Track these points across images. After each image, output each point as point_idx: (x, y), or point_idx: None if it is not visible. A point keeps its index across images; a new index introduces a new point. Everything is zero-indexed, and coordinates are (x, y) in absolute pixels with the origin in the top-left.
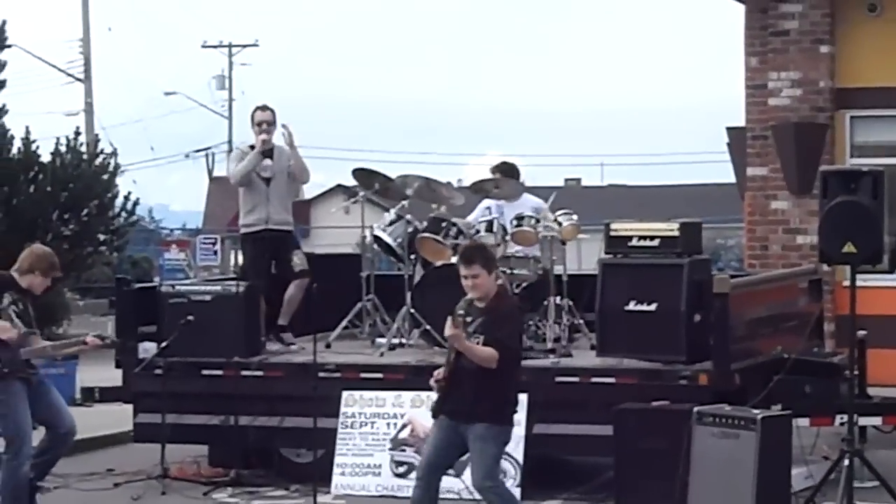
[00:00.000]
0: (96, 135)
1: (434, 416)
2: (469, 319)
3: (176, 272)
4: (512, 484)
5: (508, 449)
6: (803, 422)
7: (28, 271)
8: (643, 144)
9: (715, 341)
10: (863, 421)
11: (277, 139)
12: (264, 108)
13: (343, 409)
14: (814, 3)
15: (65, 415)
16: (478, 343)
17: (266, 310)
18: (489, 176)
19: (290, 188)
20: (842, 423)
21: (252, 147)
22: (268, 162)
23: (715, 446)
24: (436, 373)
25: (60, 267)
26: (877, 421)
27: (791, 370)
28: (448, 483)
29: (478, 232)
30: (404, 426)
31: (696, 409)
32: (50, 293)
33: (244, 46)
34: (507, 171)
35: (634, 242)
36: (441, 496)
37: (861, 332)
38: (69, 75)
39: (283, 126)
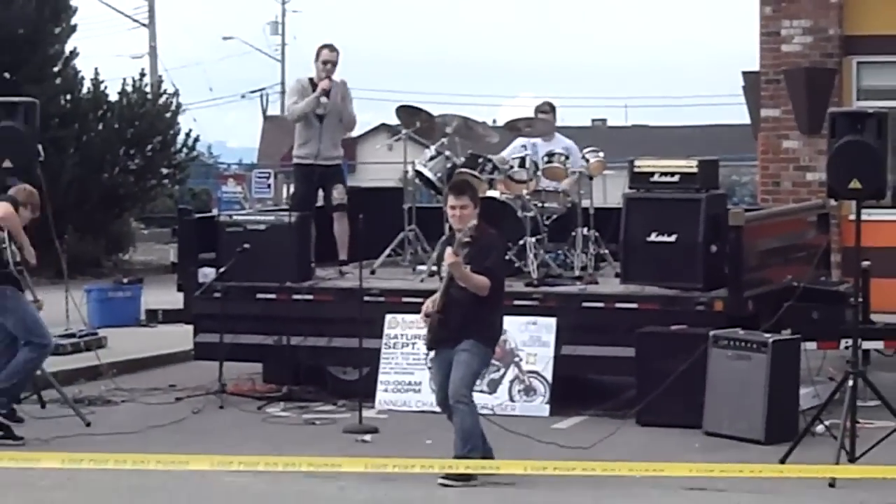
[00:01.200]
0: (160, 76)
1: (429, 349)
2: (465, 251)
3: (232, 204)
4: (541, 401)
5: (538, 368)
6: (811, 345)
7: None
8: (665, 88)
9: (730, 270)
10: (866, 345)
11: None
12: (332, 48)
13: (386, 330)
14: None
15: None
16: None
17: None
18: (531, 114)
19: (339, 127)
20: (846, 347)
21: (311, 80)
22: (324, 100)
23: (729, 367)
24: (424, 307)
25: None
26: (879, 345)
27: (800, 297)
28: (482, 399)
29: (511, 167)
30: None
31: (712, 332)
32: (116, 222)
33: None
34: (547, 110)
35: (656, 178)
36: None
37: (865, 263)
38: (135, 21)
39: (343, 81)
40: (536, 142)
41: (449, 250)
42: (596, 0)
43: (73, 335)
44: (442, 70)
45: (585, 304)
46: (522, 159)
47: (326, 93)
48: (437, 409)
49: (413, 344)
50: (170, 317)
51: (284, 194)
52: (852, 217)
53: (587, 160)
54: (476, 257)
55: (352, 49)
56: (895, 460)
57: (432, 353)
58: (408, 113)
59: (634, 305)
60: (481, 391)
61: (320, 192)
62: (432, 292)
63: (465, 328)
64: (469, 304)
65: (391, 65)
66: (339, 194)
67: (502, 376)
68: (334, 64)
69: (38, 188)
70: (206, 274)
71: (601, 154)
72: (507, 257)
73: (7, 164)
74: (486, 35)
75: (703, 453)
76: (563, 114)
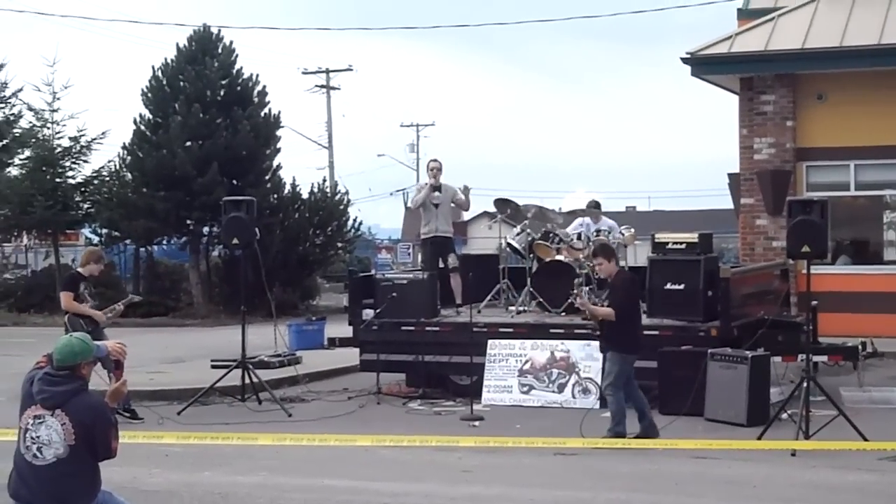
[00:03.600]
0: (336, 181)
1: (602, 352)
2: (585, 291)
3: (385, 266)
4: (594, 398)
5: (592, 375)
6: (777, 359)
7: (85, 264)
8: (676, 183)
9: (721, 308)
10: (815, 358)
11: (444, 180)
12: (435, 160)
13: (489, 351)
14: (782, 93)
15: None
16: (605, 305)
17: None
18: (583, 206)
19: (451, 211)
20: (802, 360)
21: (426, 184)
22: (437, 194)
23: (721, 374)
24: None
25: (311, 263)
26: (824, 358)
27: (769, 326)
28: (550, 397)
29: (571, 240)
30: (526, 361)
31: (709, 350)
32: (308, 279)
33: (426, 125)
34: (595, 205)
35: (670, 246)
36: (544, 406)
37: (814, 302)
38: (319, 144)
39: (466, 186)
40: (588, 222)
41: (578, 298)
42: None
43: (279, 356)
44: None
45: None
46: (579, 234)
47: (437, 187)
48: (524, 403)
49: (507, 360)
50: (344, 342)
51: (419, 260)
52: (805, 271)
53: (623, 234)
54: (609, 295)
55: (461, 158)
56: (837, 437)
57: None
58: (501, 203)
59: (657, 332)
60: (552, 391)
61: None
62: (521, 325)
63: (608, 341)
64: (609, 324)
65: (489, 170)
66: (452, 260)
67: (567, 381)
68: (438, 170)
69: (254, 257)
70: (367, 313)
71: (633, 230)
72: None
73: (235, 241)
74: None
75: (705, 433)
76: (605, 202)
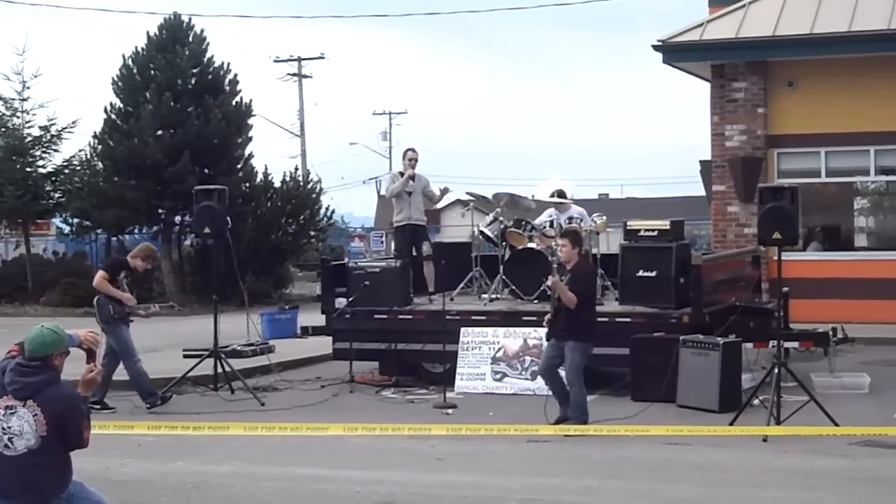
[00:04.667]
0: (308, 170)
1: (547, 339)
2: (562, 277)
3: (357, 255)
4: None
5: None
6: (749, 345)
7: (135, 257)
8: (648, 170)
9: (693, 295)
10: (787, 344)
11: (417, 169)
12: (413, 150)
13: (461, 338)
14: (753, 81)
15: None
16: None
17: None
18: (551, 197)
19: (422, 199)
20: (773, 346)
21: (401, 173)
22: (411, 183)
23: (693, 361)
24: (547, 316)
25: (284, 251)
26: (795, 344)
27: (741, 313)
28: (523, 384)
29: (544, 227)
30: (499, 349)
31: (681, 337)
32: (280, 267)
33: (399, 113)
34: (561, 194)
35: (642, 233)
36: (516, 393)
37: (785, 289)
38: (291, 133)
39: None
40: (555, 213)
41: (551, 277)
42: (601, 111)
43: (252, 345)
44: (497, 159)
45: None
46: (551, 222)
47: (411, 178)
48: (497, 391)
49: (480, 347)
50: (316, 331)
51: (392, 248)
52: (776, 258)
53: (595, 221)
54: (571, 282)
55: (434, 147)
56: (808, 423)
57: (548, 341)
58: (472, 194)
59: (629, 319)
60: (525, 378)
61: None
62: (493, 313)
63: (567, 330)
64: (568, 312)
65: (463, 158)
66: (426, 248)
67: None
68: (415, 160)
69: (227, 246)
70: (340, 302)
71: (605, 217)
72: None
73: (207, 230)
74: (528, 134)
75: (677, 419)
76: (579, 190)
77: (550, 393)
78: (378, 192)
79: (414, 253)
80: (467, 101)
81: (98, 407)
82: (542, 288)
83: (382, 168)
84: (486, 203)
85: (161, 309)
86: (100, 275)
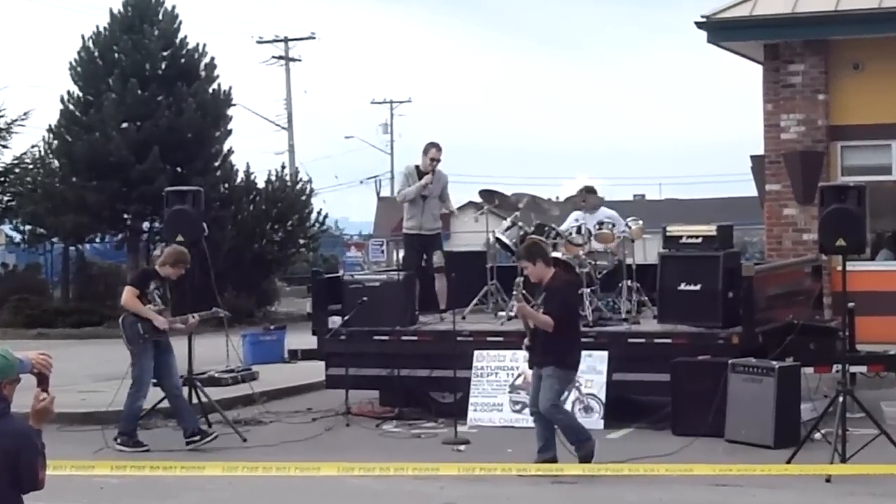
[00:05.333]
0: (297, 168)
1: (530, 368)
2: (525, 294)
3: (354, 266)
4: (597, 417)
5: (594, 391)
6: (809, 370)
7: (164, 264)
8: (690, 168)
9: (743, 312)
10: (853, 369)
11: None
12: (439, 148)
13: (475, 363)
14: (813, 63)
15: (173, 375)
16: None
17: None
18: (578, 194)
19: (438, 204)
20: (837, 371)
21: (417, 167)
22: (429, 187)
23: (744, 388)
24: (525, 341)
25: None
26: (863, 369)
27: (799, 332)
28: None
29: (570, 234)
30: (519, 375)
31: (730, 361)
32: (265, 281)
33: (401, 102)
34: (591, 191)
35: (684, 240)
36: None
37: (850, 304)
38: (277, 125)
39: (443, 173)
40: (585, 214)
41: (514, 300)
42: (635, 99)
43: (232, 371)
44: (515, 156)
45: (630, 340)
46: (579, 227)
47: (429, 183)
48: (517, 424)
49: (496, 373)
50: (307, 355)
51: (395, 258)
52: (840, 268)
53: (629, 227)
54: (546, 301)
55: (442, 140)
56: (879, 460)
57: (530, 370)
58: (488, 194)
59: (669, 340)
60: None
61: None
62: (512, 333)
63: (546, 355)
64: (546, 335)
65: (476, 153)
66: (438, 259)
67: (566, 397)
68: (439, 161)
69: (203, 257)
70: (334, 321)
71: (641, 222)
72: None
73: (179, 238)
74: (550, 127)
75: (725, 456)
76: (609, 190)
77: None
78: (378, 194)
79: (423, 264)
80: (480, 87)
81: (197, 438)
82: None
83: (383, 165)
84: (504, 204)
85: (198, 319)
86: (128, 291)
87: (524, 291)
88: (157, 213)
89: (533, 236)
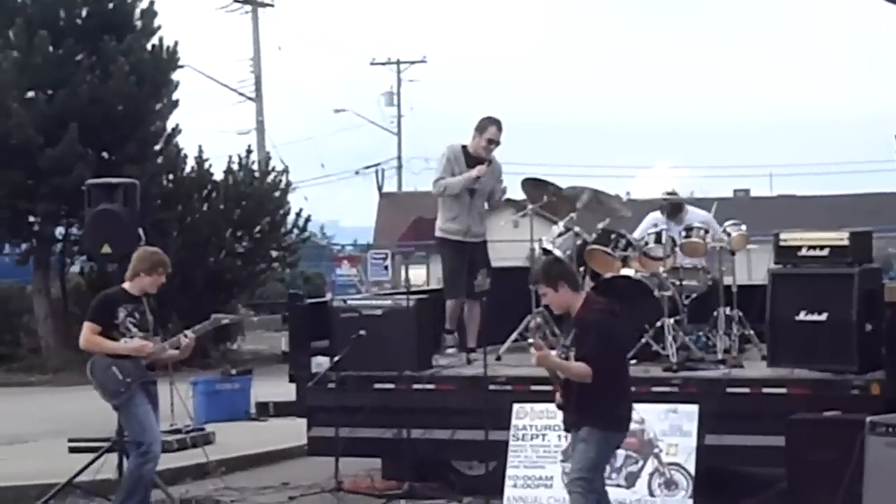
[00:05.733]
0: (267, 152)
1: (566, 431)
2: (551, 331)
3: (347, 287)
4: (684, 496)
5: (680, 460)
6: None
7: (134, 276)
8: (811, 154)
9: (887, 351)
10: None
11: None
12: (500, 126)
13: (514, 421)
14: None
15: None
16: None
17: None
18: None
19: (484, 202)
20: None
21: (464, 148)
22: (480, 180)
23: (889, 457)
24: (557, 398)
25: (228, 283)
26: None
27: None
28: (613, 495)
29: (646, 244)
30: None
31: (868, 419)
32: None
33: (412, 63)
34: (675, 204)
35: (804, 252)
36: None
37: None
38: (240, 94)
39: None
40: (661, 218)
41: (532, 349)
42: (737, 61)
43: (178, 431)
44: (571, 138)
45: (730, 390)
46: (658, 234)
47: (477, 179)
48: None
49: (543, 435)
50: (281, 410)
51: (402, 276)
52: None
53: (728, 234)
54: (577, 341)
55: (470, 118)
56: None
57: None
58: (534, 186)
59: (783, 390)
60: (618, 485)
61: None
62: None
63: (582, 413)
64: (581, 387)
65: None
66: (482, 279)
67: (641, 469)
68: (498, 144)
69: None
70: (320, 363)
71: (744, 227)
72: (617, 333)
73: (107, 249)
74: (618, 99)
75: None
76: (702, 184)
77: None
78: (380, 188)
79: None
80: (517, 43)
81: None
82: (643, 341)
83: (387, 150)
84: (555, 202)
85: (195, 335)
86: (87, 329)
87: (547, 331)
88: (76, 215)
89: (596, 247)
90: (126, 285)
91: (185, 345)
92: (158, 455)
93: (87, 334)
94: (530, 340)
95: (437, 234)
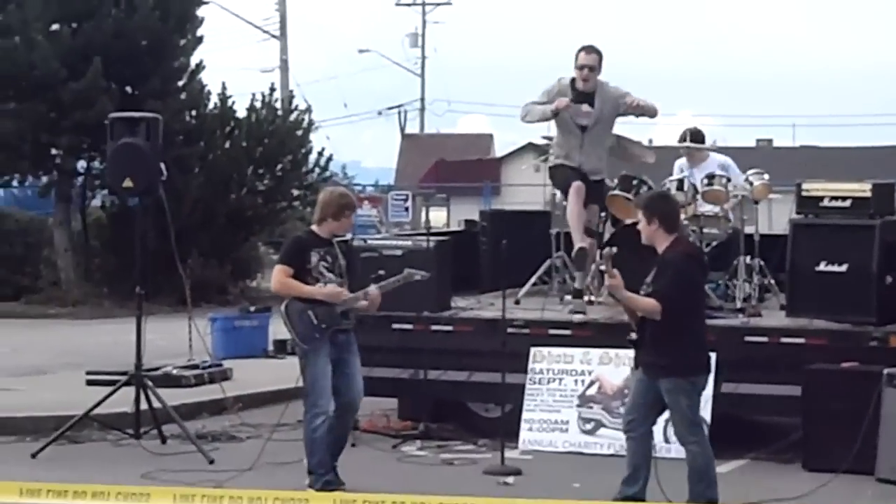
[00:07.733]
0: (291, 91)
1: (634, 369)
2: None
3: (367, 228)
4: None
5: None
6: None
7: (321, 220)
8: (836, 105)
9: None
10: None
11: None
12: (590, 49)
13: (531, 364)
14: None
15: (356, 386)
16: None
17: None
18: (681, 142)
19: (608, 137)
20: None
21: (573, 81)
22: (586, 108)
23: None
24: (631, 333)
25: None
26: None
27: None
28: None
29: (668, 189)
30: (592, 383)
31: (886, 370)
32: (243, 246)
33: (438, 4)
34: (696, 137)
35: (826, 203)
36: (616, 454)
37: None
38: (265, 32)
39: (607, 84)
40: (686, 164)
41: (607, 274)
42: (759, 9)
43: (196, 367)
44: None
45: (748, 339)
46: (680, 181)
47: (589, 96)
48: (587, 450)
49: (560, 379)
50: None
51: (423, 218)
52: None
53: (751, 183)
54: (656, 277)
55: (497, 64)
56: None
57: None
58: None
59: (801, 340)
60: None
61: (431, 215)
62: (584, 325)
63: (659, 359)
64: (657, 329)
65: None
66: (591, 216)
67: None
68: (592, 69)
69: (159, 210)
70: None
71: (766, 176)
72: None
73: (128, 183)
74: (639, 46)
75: (876, 501)
76: (724, 133)
77: (626, 456)
78: (403, 130)
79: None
80: None
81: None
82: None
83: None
84: None
85: (386, 288)
86: (278, 272)
87: (566, 276)
88: (98, 149)
89: (617, 193)
90: (314, 228)
91: (373, 297)
92: (327, 411)
93: (280, 277)
94: (602, 268)
95: (551, 161)
